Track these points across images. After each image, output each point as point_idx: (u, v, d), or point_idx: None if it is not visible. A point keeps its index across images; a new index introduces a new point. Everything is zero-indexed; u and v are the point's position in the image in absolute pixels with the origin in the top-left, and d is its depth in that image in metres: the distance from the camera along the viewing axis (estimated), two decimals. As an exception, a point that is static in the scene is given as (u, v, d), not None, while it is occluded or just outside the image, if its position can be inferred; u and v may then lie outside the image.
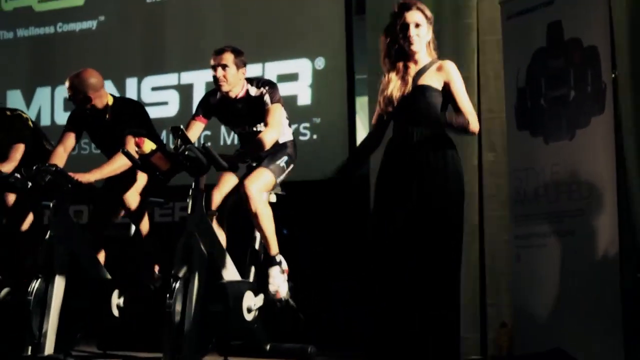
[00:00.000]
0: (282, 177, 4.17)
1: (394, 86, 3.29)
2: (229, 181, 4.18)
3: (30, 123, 4.89)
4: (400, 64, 3.32)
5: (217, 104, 4.23)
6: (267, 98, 4.08)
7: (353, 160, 3.56)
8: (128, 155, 3.90)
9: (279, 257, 4.10)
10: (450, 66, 3.30)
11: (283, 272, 4.09)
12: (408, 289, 3.18)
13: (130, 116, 4.40)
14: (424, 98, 3.26)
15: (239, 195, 4.06)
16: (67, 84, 4.37)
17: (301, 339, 4.24)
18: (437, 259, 3.19)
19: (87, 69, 4.41)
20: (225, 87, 4.12)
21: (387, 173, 3.33)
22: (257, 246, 4.19)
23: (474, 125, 3.26)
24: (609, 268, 3.81)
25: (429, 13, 3.35)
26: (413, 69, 3.32)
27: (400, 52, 3.30)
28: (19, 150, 4.67)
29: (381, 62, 3.38)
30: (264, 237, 4.08)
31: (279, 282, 4.06)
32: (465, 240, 4.50)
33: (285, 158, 4.19)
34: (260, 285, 4.09)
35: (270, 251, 4.08)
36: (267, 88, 4.11)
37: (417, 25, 3.29)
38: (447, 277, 3.21)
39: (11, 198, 4.77)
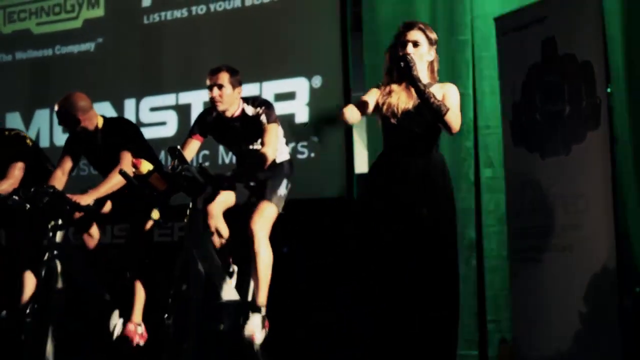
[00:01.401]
0: (283, 204, 4.19)
1: (399, 97, 3.33)
2: (224, 195, 4.18)
3: (29, 142, 4.91)
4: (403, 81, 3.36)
5: (213, 123, 4.25)
6: (263, 118, 4.09)
7: None
8: (125, 175, 3.91)
9: (264, 310, 4.03)
10: (450, 87, 3.39)
11: (264, 326, 4.02)
12: (405, 300, 3.19)
13: (121, 135, 4.43)
14: (425, 117, 3.30)
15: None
16: (56, 108, 4.41)
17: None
18: (433, 273, 3.21)
19: (74, 92, 4.45)
20: (221, 107, 4.14)
21: (382, 187, 3.34)
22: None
23: (454, 121, 3.26)
24: (607, 282, 3.80)
25: (432, 35, 3.39)
26: None
27: (398, 75, 3.34)
28: (18, 168, 4.67)
29: (383, 75, 3.42)
30: (256, 282, 4.03)
31: (257, 329, 3.99)
32: (464, 256, 4.54)
33: (284, 182, 4.20)
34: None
35: (257, 299, 4.02)
36: (263, 108, 4.13)
37: (415, 44, 3.33)
38: (445, 288, 3.23)
39: (10, 219, 4.76)
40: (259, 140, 4.13)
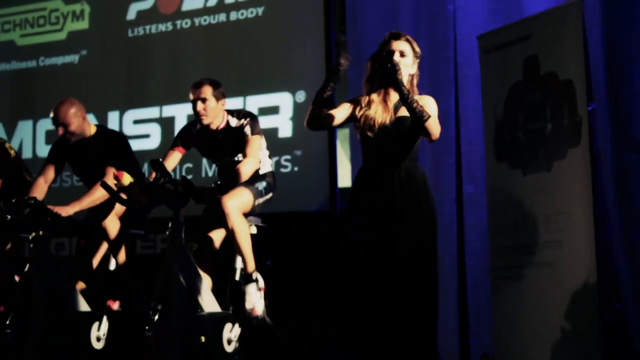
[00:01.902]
0: (260, 201, 4.17)
1: (376, 111, 3.34)
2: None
3: (12, 152, 4.89)
4: (382, 91, 3.38)
5: (197, 135, 4.25)
6: (247, 130, 4.10)
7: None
8: (106, 187, 3.90)
9: (256, 275, 4.06)
10: (428, 98, 3.39)
11: (259, 289, 4.06)
12: (386, 315, 3.21)
13: (112, 148, 4.42)
14: (403, 130, 3.31)
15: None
16: (52, 114, 4.39)
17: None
18: (414, 285, 3.23)
19: (69, 98, 4.46)
20: (206, 120, 4.14)
21: (365, 204, 3.36)
22: (237, 277, 4.18)
23: (434, 128, 3.26)
24: (588, 299, 3.82)
25: (417, 48, 3.42)
26: (394, 96, 3.37)
27: (382, 78, 3.34)
28: None
29: (363, 85, 3.43)
30: (240, 254, 4.06)
31: (255, 299, 4.02)
32: (446, 271, 4.56)
33: (264, 184, 4.20)
34: (237, 303, 4.07)
35: (247, 268, 4.06)
36: (247, 119, 4.14)
37: (402, 54, 3.36)
38: (424, 299, 3.25)
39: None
40: (242, 153, 4.13)
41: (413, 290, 3.23)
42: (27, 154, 6.36)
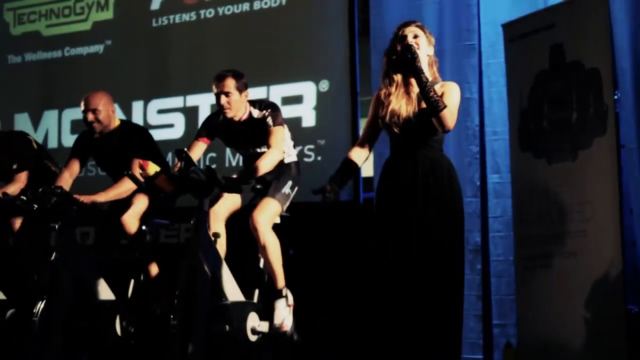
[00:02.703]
0: (287, 204, 4.20)
1: (400, 104, 3.32)
2: (230, 198, 4.20)
3: (34, 144, 4.95)
4: (400, 77, 3.36)
5: (220, 126, 4.25)
6: (269, 120, 4.10)
7: (336, 183, 3.52)
8: (132, 177, 3.93)
9: (285, 291, 4.10)
10: (452, 85, 3.35)
11: (289, 305, 4.09)
12: (411, 308, 3.20)
13: (136, 141, 4.48)
14: (428, 121, 3.29)
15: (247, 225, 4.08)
16: (82, 101, 4.46)
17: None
18: (442, 279, 3.21)
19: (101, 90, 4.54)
20: (230, 114, 4.14)
21: (389, 195, 3.35)
22: (261, 265, 4.20)
23: (449, 119, 3.22)
24: (612, 289, 3.81)
25: (430, 36, 3.40)
26: (415, 86, 3.33)
27: (400, 64, 3.33)
28: (24, 172, 4.74)
29: (381, 80, 3.42)
30: (271, 270, 4.08)
31: (284, 315, 4.05)
32: (469, 260, 4.55)
33: (289, 183, 4.21)
34: (266, 314, 4.09)
35: (276, 284, 4.08)
36: (269, 110, 4.13)
37: (415, 36, 3.34)
38: (451, 296, 3.23)
39: (17, 220, 4.80)
40: (266, 144, 4.14)
41: (437, 282, 3.21)
42: (52, 143, 6.41)
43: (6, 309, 4.48)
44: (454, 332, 3.25)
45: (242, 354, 4.05)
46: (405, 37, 3.35)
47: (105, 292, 4.39)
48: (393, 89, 3.36)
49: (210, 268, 3.83)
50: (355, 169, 3.57)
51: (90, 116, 4.45)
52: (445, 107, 3.19)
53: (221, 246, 4.06)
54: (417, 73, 3.19)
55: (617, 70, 4.06)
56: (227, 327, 3.82)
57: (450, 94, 3.28)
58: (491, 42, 4.73)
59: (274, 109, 4.16)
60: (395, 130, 3.33)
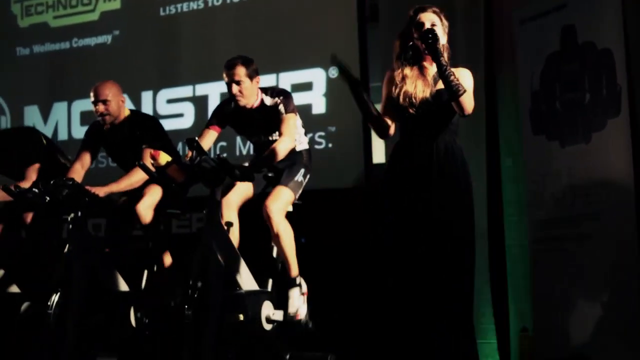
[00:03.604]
0: (300, 191, 4.19)
1: (416, 86, 3.30)
2: (242, 186, 4.19)
3: (43, 140, 4.96)
4: (415, 66, 3.35)
5: (231, 114, 4.25)
6: (281, 107, 4.09)
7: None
8: (144, 167, 3.94)
9: (299, 279, 4.10)
10: (465, 70, 3.35)
11: (303, 294, 4.09)
12: (420, 295, 3.19)
13: (147, 130, 4.49)
14: (443, 104, 3.28)
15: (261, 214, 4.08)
16: (92, 92, 4.47)
17: (320, 348, 4.25)
18: (452, 265, 3.20)
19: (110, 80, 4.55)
20: (242, 102, 4.14)
21: (402, 176, 3.33)
22: (274, 254, 4.20)
23: (468, 103, 3.21)
24: (627, 271, 3.82)
25: (445, 20, 3.37)
26: (431, 69, 3.33)
27: (415, 50, 3.32)
28: (34, 169, 4.75)
29: (394, 62, 3.39)
30: (284, 258, 4.08)
31: (298, 303, 4.06)
32: (483, 245, 4.55)
33: (302, 171, 4.20)
34: (279, 303, 4.09)
35: (290, 272, 4.08)
36: (281, 98, 4.12)
37: (432, 25, 3.31)
38: (462, 281, 3.23)
39: (30, 213, 4.82)
40: (278, 131, 4.13)
41: (449, 264, 3.20)
42: (62, 135, 6.43)
43: (21, 302, 4.51)
44: (465, 318, 3.25)
45: (256, 342, 4.08)
46: (423, 24, 3.32)
47: (119, 283, 4.40)
48: (407, 71, 3.34)
49: (224, 257, 3.84)
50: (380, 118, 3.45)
51: (101, 107, 4.46)
52: (465, 91, 3.19)
53: (234, 235, 4.06)
54: (438, 56, 3.17)
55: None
56: (242, 316, 3.84)
57: (465, 80, 3.27)
58: (502, 25, 4.70)
59: (286, 96, 4.15)
60: (411, 111, 3.30)
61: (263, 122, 4.18)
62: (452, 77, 3.18)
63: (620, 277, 3.84)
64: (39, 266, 4.72)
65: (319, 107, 5.50)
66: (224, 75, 4.12)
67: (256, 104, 4.17)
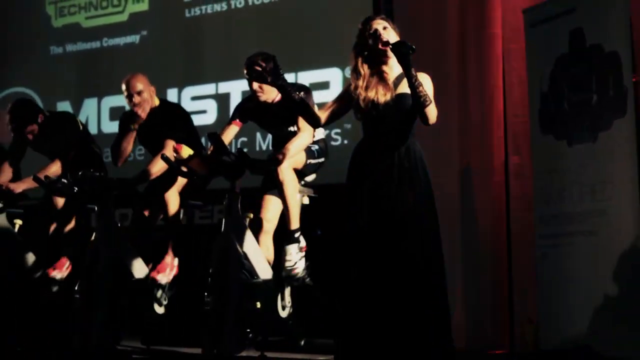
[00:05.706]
0: (312, 162, 4.24)
1: (377, 91, 3.32)
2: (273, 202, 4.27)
3: (80, 125, 5.13)
4: (368, 71, 3.36)
5: (254, 109, 4.35)
6: (301, 102, 4.20)
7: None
8: (166, 160, 4.06)
9: (298, 234, 4.10)
10: (425, 76, 3.36)
11: (301, 249, 4.10)
12: (384, 286, 3.19)
13: (173, 119, 4.59)
14: (404, 107, 3.32)
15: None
16: (123, 85, 4.58)
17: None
18: (422, 264, 3.20)
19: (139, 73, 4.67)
20: (262, 97, 4.23)
21: (365, 175, 3.34)
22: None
23: (433, 114, 3.24)
24: (632, 267, 3.83)
25: (393, 25, 3.43)
26: (391, 74, 3.36)
27: (372, 57, 3.35)
28: (69, 152, 4.92)
29: (350, 74, 3.42)
30: (286, 208, 4.09)
31: (296, 259, 4.07)
32: (492, 240, 4.64)
33: (316, 146, 4.27)
34: (276, 261, 4.11)
35: (290, 225, 4.09)
36: (302, 93, 4.10)
37: (384, 28, 3.36)
38: (427, 272, 3.21)
39: (60, 202, 4.95)
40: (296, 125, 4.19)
41: (418, 266, 3.19)
42: (92, 129, 6.49)
43: (50, 287, 4.68)
44: (440, 315, 3.23)
45: (273, 329, 4.17)
46: (376, 30, 3.34)
47: (143, 271, 4.53)
48: (361, 82, 3.35)
49: (242, 247, 3.95)
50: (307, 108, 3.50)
51: (137, 98, 4.53)
52: (431, 102, 3.23)
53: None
54: (409, 68, 3.19)
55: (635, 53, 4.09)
56: (259, 304, 3.95)
57: (426, 86, 3.27)
58: (512, 28, 4.74)
59: (306, 91, 4.19)
60: (374, 113, 3.32)
61: (283, 116, 4.24)
62: (420, 89, 3.20)
63: (624, 272, 3.85)
64: (67, 253, 4.81)
65: (336, 105, 5.60)
66: (245, 72, 4.22)
67: (277, 99, 4.22)
